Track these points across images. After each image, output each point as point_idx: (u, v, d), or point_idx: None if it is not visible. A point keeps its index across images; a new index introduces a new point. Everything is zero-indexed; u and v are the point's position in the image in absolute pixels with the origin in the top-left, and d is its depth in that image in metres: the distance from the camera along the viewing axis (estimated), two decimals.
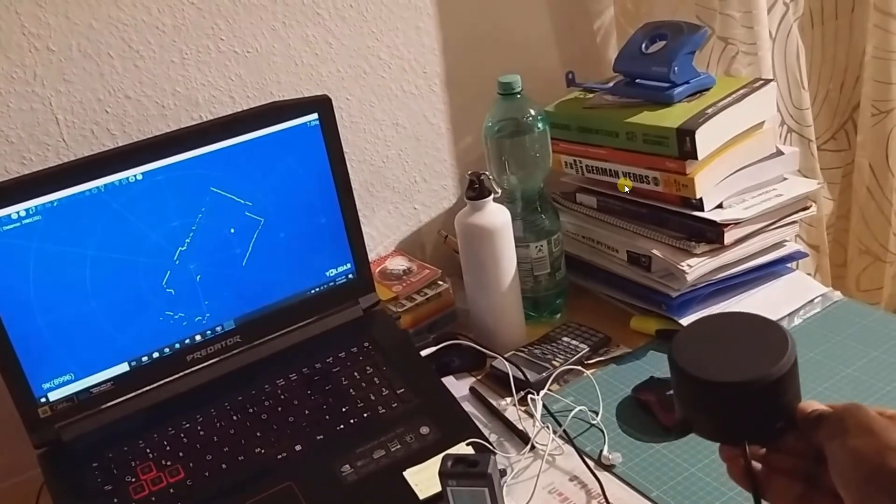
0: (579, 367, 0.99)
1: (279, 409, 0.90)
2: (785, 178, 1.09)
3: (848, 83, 1.45)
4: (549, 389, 0.96)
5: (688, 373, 0.47)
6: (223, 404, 0.90)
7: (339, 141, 0.96)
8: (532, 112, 1.05)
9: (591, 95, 1.15)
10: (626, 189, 1.06)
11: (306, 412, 0.89)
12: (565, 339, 1.05)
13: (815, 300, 1.06)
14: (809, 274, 1.41)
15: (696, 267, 0.99)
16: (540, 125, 1.06)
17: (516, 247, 1.04)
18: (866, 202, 1.48)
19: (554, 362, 0.99)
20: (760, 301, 1.05)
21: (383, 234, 1.22)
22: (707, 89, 1.06)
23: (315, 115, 0.94)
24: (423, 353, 0.99)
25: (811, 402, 0.48)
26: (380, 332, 1.00)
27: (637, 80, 1.09)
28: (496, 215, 1.01)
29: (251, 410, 0.90)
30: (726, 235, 1.00)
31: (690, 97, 1.05)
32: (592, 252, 1.14)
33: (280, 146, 0.92)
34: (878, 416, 0.44)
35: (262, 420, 0.88)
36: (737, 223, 1.00)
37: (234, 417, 0.89)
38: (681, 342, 0.50)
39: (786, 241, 1.08)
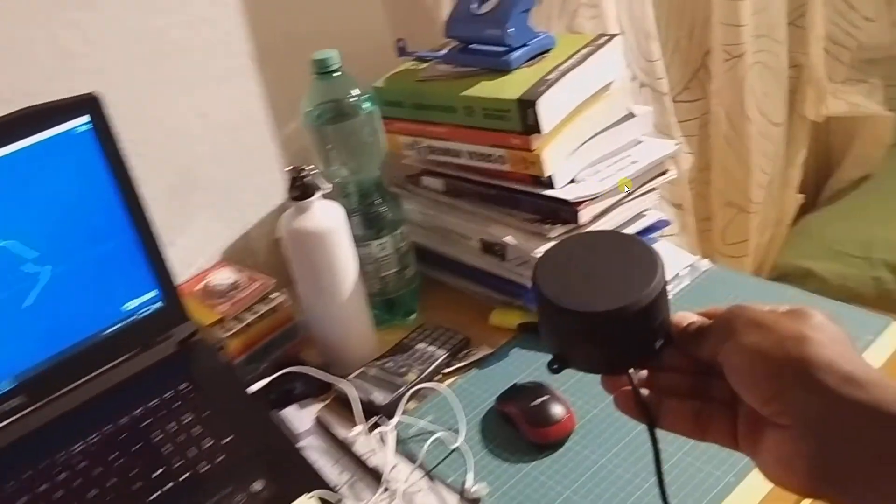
0: (435, 383, 0.89)
1: (78, 482, 0.75)
2: (640, 142, 1.02)
3: (698, 28, 1.40)
4: (404, 409, 0.86)
5: (557, 305, 0.43)
6: (6, 484, 0.75)
7: (117, 145, 0.81)
8: (356, 91, 0.93)
9: (424, 66, 1.04)
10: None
11: (112, 482, 0.75)
12: (421, 345, 0.95)
13: (683, 273, 1.00)
14: (675, 235, 1.37)
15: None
16: (367, 105, 0.94)
17: (356, 246, 0.93)
18: (725, 153, 1.45)
19: (409, 376, 0.89)
20: None
21: (203, 245, 1.07)
22: (547, 51, 0.97)
23: (86, 118, 0.79)
24: (258, 384, 0.87)
25: (685, 314, 0.46)
26: (200, 369, 0.87)
27: (471, 46, 0.99)
28: (328, 215, 0.89)
29: (42, 488, 0.75)
30: (581, 214, 0.92)
31: (530, 61, 0.96)
32: (444, 241, 1.04)
33: (43, 160, 0.77)
34: (764, 311, 0.42)
35: (56, 501, 0.74)
36: (592, 199, 0.92)
37: (22, 501, 0.74)
38: (543, 271, 0.46)
39: (646, 210, 1.02)
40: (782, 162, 1.56)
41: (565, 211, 0.92)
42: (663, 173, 1.02)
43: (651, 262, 0.45)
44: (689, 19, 1.39)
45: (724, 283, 0.98)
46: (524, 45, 0.95)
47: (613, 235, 0.49)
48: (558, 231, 0.92)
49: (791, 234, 1.64)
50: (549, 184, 0.93)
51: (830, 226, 1.62)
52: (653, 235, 1.03)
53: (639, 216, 1.01)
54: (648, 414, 0.46)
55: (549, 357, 0.48)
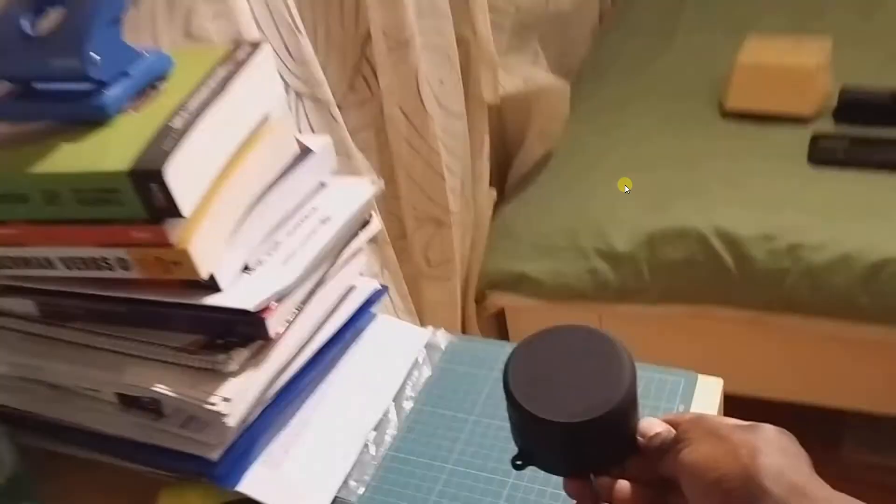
0: None
1: None
2: (324, 185, 0.75)
3: (348, 12, 1.14)
4: None
5: (528, 411, 0.45)
6: None
7: None
8: None
9: None
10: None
11: None
12: None
13: (422, 359, 0.75)
14: (378, 277, 1.12)
15: (238, 397, 0.60)
16: None
17: None
18: (411, 159, 1.23)
19: None
20: (352, 393, 0.70)
21: None
22: (162, 79, 0.65)
23: None
24: None
25: (651, 423, 0.47)
26: None
27: (35, 87, 0.63)
28: None
29: None
30: (271, 323, 0.62)
31: (138, 100, 0.62)
32: (54, 400, 0.68)
33: None
34: (722, 422, 0.44)
35: None
36: (281, 298, 0.63)
37: None
38: (514, 370, 0.47)
39: (355, 282, 0.75)
40: (469, 158, 1.38)
41: (245, 324, 0.61)
42: (365, 224, 0.76)
43: (620, 367, 0.46)
44: (336, 1, 1.12)
45: (473, 360, 0.75)
46: (123, 76, 0.62)
47: (584, 332, 0.49)
48: (241, 357, 0.61)
49: (491, 234, 1.48)
50: (211, 285, 0.61)
51: (529, 218, 1.48)
52: (371, 310, 0.77)
53: (348, 293, 0.74)
54: None
55: None
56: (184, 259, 0.58)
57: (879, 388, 1.38)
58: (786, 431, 0.43)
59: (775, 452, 0.41)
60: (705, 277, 1.34)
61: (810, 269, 1.28)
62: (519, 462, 0.48)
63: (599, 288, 1.39)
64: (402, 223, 1.30)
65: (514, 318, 1.52)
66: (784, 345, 1.39)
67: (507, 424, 0.49)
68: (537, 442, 0.47)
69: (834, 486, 0.40)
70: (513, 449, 0.49)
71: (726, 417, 0.45)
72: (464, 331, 1.45)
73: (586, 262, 1.39)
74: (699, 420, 0.45)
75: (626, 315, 1.42)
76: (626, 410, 0.45)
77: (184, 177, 0.56)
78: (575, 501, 0.48)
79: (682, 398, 0.68)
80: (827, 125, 1.53)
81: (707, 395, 0.68)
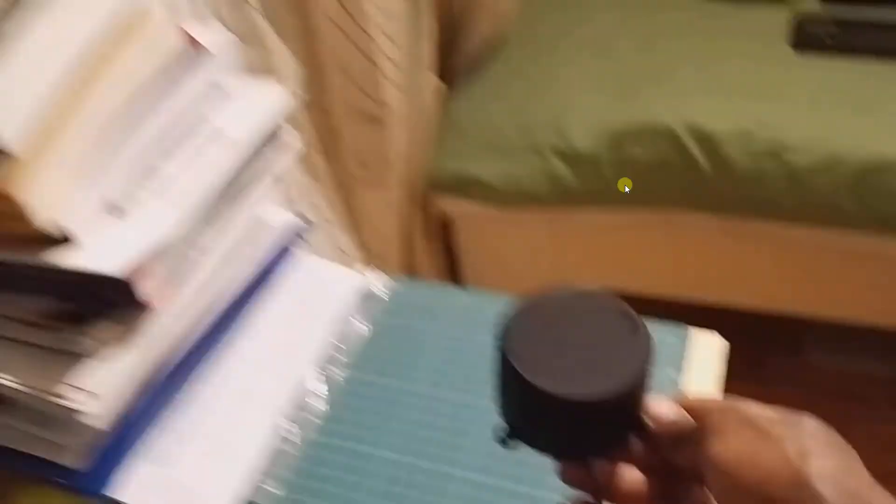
0: None
1: None
2: (221, 90, 0.58)
3: None
4: None
5: (529, 382, 0.39)
6: None
7: None
8: None
9: None
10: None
11: None
12: None
13: (354, 314, 0.61)
14: (302, 189, 0.97)
15: (106, 389, 0.46)
16: None
17: None
18: (339, 44, 1.06)
19: None
20: (265, 363, 0.56)
21: None
22: None
23: None
24: None
25: (662, 406, 0.41)
26: None
27: None
28: None
29: None
30: (147, 287, 0.47)
31: None
32: None
33: None
34: (758, 412, 0.38)
35: None
36: (160, 252, 0.47)
37: None
38: (514, 333, 0.41)
39: (268, 218, 0.60)
40: (409, 42, 1.20)
41: (112, 289, 0.46)
42: (279, 142, 0.60)
43: (636, 339, 0.41)
44: None
45: (420, 311, 0.61)
46: None
47: (597, 298, 0.43)
48: (107, 334, 0.47)
49: (436, 131, 1.32)
50: (63, 239, 0.46)
51: (478, 111, 1.32)
52: (291, 249, 0.62)
53: (258, 233, 0.59)
54: None
55: None
56: (13, 209, 0.42)
57: (854, 297, 1.30)
58: (829, 426, 0.38)
59: (828, 453, 0.37)
60: (676, 180, 1.21)
61: (792, 170, 1.16)
62: (506, 439, 0.43)
63: (557, 192, 1.25)
64: (330, 120, 1.13)
65: (462, 226, 1.38)
66: (759, 253, 1.29)
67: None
68: (534, 418, 0.42)
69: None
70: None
71: (762, 405, 0.39)
72: (406, 242, 1.31)
73: (543, 163, 1.25)
74: (732, 408, 0.39)
75: (587, 222, 1.30)
76: (640, 389, 0.41)
77: (2, 99, 0.40)
78: (570, 488, 0.43)
79: (671, 359, 0.56)
80: (812, 5, 1.39)
81: (703, 354, 0.57)
